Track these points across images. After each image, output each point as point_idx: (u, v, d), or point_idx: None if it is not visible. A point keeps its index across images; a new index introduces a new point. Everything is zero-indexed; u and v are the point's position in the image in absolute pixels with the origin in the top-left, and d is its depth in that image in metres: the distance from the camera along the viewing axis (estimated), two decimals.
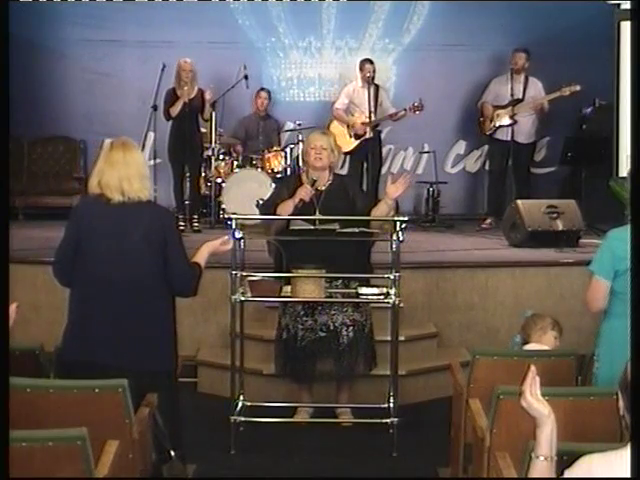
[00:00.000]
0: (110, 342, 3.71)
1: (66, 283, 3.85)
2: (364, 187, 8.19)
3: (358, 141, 8.55)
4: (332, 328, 5.06)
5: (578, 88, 8.24)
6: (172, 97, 8.23)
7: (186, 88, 8.19)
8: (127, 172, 3.71)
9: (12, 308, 2.47)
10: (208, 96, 8.29)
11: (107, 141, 3.89)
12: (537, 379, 2.48)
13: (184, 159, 8.28)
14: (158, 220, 3.80)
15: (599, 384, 3.67)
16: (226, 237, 4.18)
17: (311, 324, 5.07)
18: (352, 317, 5.07)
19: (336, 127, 8.49)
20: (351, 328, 5.07)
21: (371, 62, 8.65)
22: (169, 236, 3.78)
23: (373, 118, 8.42)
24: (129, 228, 3.74)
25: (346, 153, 8.61)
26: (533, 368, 2.49)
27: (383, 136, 9.19)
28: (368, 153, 8.48)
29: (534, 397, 2.47)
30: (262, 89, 9.21)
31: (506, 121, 8.58)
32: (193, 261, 3.91)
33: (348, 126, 8.58)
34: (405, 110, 8.43)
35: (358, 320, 5.10)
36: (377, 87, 8.60)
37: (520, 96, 8.60)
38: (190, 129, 8.26)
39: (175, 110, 8.16)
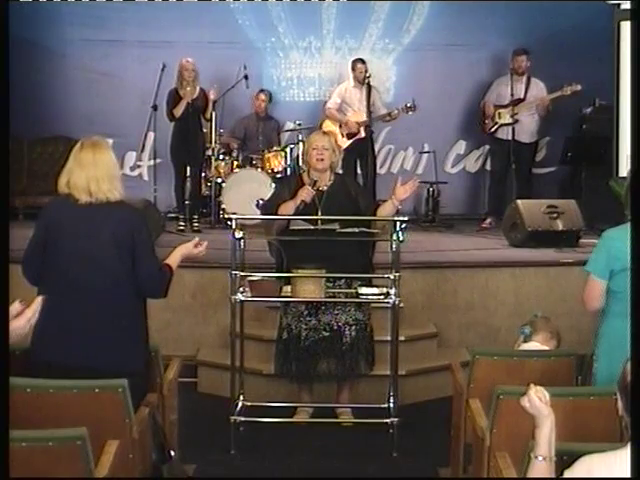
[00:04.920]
0: (78, 343, 3.67)
1: (34, 282, 3.82)
2: None
3: (350, 141, 8.55)
4: (336, 328, 5.06)
5: (579, 88, 8.25)
6: (174, 98, 8.22)
7: (189, 88, 8.19)
8: (95, 173, 3.68)
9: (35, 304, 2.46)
10: (212, 96, 8.29)
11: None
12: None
13: (187, 159, 8.28)
14: (127, 221, 3.76)
15: (598, 383, 3.68)
16: (197, 239, 4.08)
17: (315, 324, 5.07)
18: (355, 316, 5.08)
19: (328, 126, 8.48)
20: (354, 327, 5.08)
21: (363, 62, 8.67)
22: (137, 237, 3.73)
23: (365, 118, 8.43)
24: (97, 229, 3.71)
25: None
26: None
27: (383, 136, 9.20)
28: (361, 153, 8.49)
29: (539, 393, 2.49)
30: (262, 90, 9.21)
31: (508, 120, 8.59)
32: (164, 263, 3.86)
33: (341, 125, 8.59)
34: (398, 110, 8.43)
35: (360, 319, 5.10)
36: (369, 87, 8.60)
37: (522, 96, 8.61)
38: (193, 129, 8.26)
39: (179, 111, 8.16)
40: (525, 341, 4.17)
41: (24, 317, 2.38)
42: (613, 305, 3.69)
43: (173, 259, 3.92)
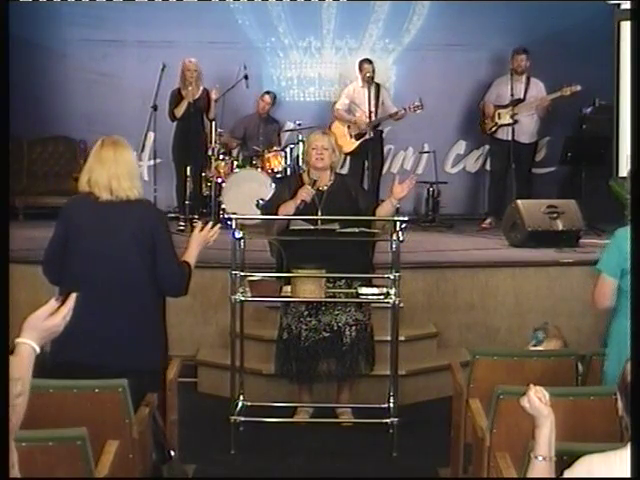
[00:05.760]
0: (99, 342, 3.68)
1: (55, 281, 3.83)
2: (365, 187, 8.18)
3: (359, 141, 8.55)
4: (336, 328, 5.06)
5: (579, 88, 8.25)
6: (177, 98, 8.23)
7: (190, 88, 8.19)
8: (116, 171, 3.70)
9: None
10: (214, 96, 8.29)
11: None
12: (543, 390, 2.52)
13: (188, 159, 8.28)
14: (147, 219, 3.78)
15: (608, 382, 3.67)
16: (216, 226, 4.07)
17: (315, 324, 5.06)
18: (355, 317, 5.08)
19: (337, 128, 8.49)
20: (354, 328, 5.08)
21: (370, 62, 8.67)
22: (157, 235, 3.75)
23: (374, 118, 8.42)
24: (117, 227, 3.72)
25: (347, 154, 8.61)
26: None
27: (383, 136, 9.18)
28: (369, 153, 8.48)
29: (539, 393, 2.49)
30: (267, 92, 9.21)
31: (507, 121, 8.59)
32: (182, 260, 3.85)
33: (349, 126, 8.59)
34: (405, 109, 8.44)
35: (361, 320, 5.10)
36: (378, 86, 8.61)
37: (521, 96, 8.61)
38: (195, 129, 8.26)
39: (180, 111, 8.17)
40: (535, 346, 4.18)
41: (60, 314, 2.36)
42: (623, 304, 3.69)
43: (190, 255, 3.90)
